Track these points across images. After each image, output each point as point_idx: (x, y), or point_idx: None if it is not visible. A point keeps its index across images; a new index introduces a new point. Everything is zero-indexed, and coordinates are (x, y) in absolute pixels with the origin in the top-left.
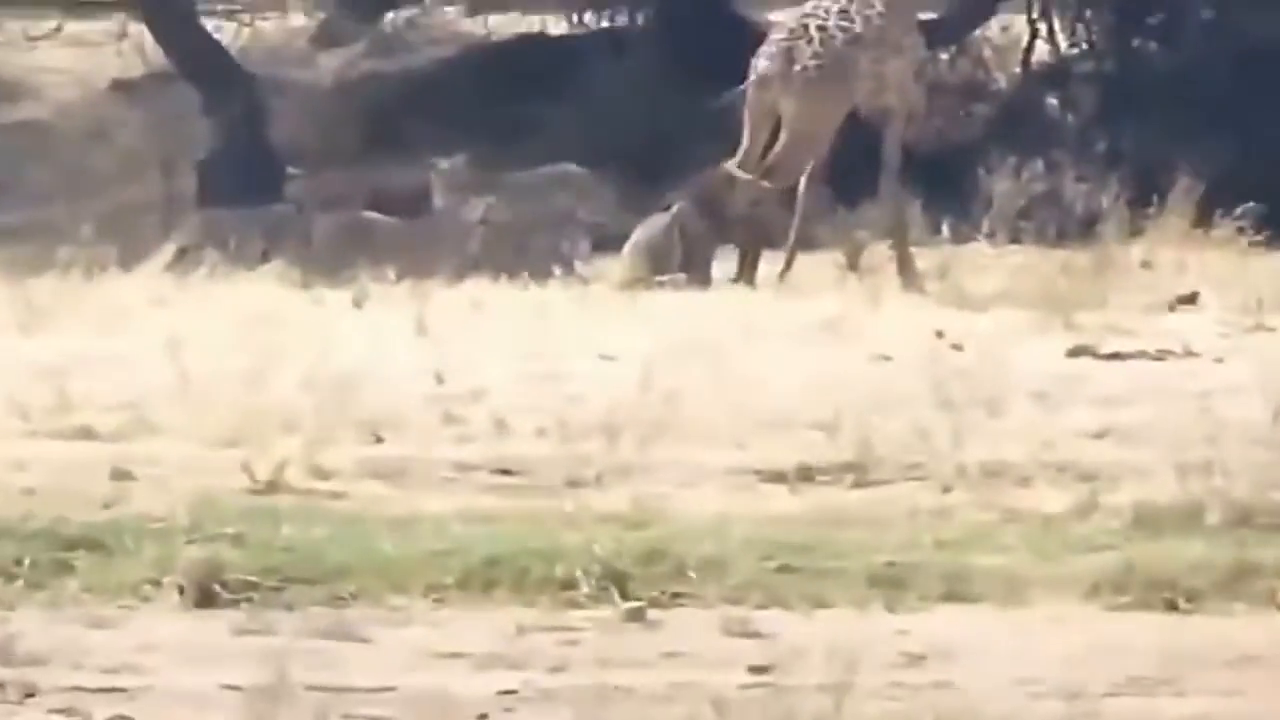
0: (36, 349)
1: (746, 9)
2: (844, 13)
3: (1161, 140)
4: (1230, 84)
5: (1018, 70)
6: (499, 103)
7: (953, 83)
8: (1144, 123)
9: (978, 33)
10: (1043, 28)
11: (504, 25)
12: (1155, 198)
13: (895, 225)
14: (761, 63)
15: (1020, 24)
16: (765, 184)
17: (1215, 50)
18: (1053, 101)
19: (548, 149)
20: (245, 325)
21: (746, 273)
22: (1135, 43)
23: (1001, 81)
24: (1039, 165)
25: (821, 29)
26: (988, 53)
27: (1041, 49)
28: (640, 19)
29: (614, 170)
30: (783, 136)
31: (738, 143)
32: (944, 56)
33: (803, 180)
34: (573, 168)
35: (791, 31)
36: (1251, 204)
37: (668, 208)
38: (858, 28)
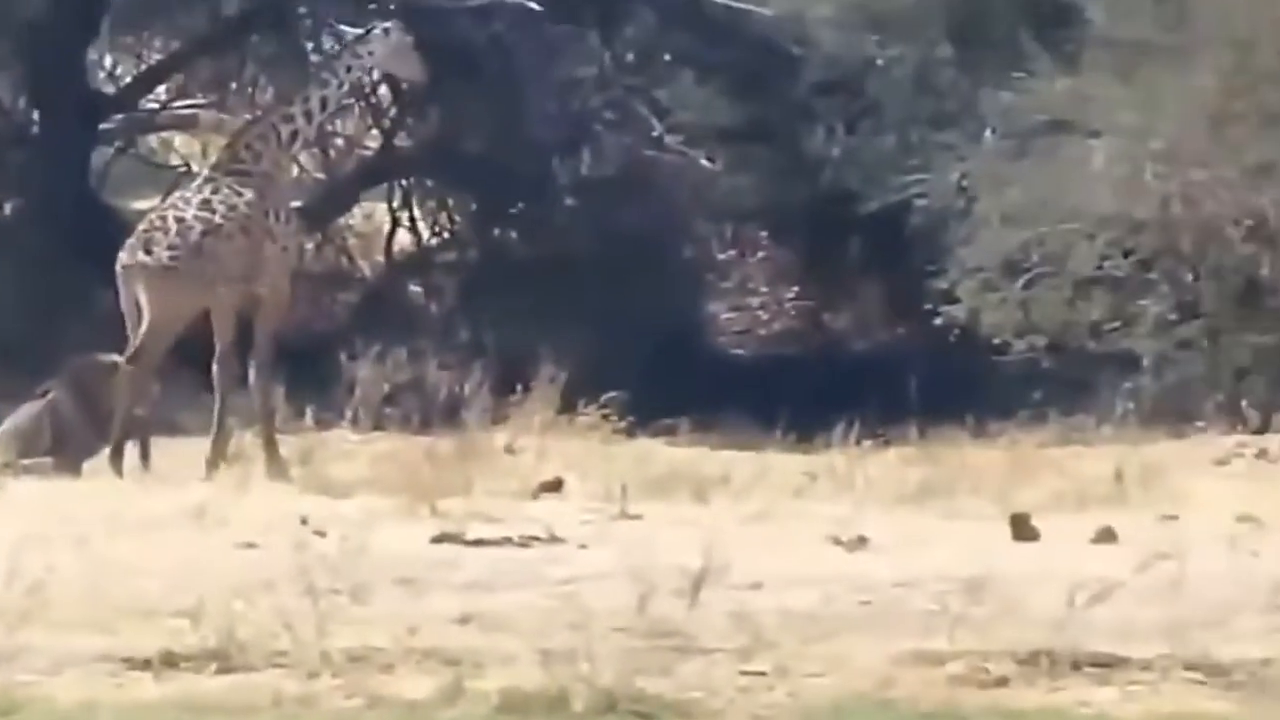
0: None
1: (118, 199)
2: (206, 203)
3: (524, 328)
4: (592, 273)
5: (381, 258)
6: None
7: (317, 271)
8: (507, 311)
9: (341, 221)
10: (405, 216)
11: None
12: (519, 385)
13: (263, 413)
14: (123, 254)
15: (382, 212)
16: (127, 366)
17: (577, 239)
18: (416, 289)
19: None
20: None
21: (115, 461)
22: (497, 231)
23: (365, 269)
24: (403, 353)
25: (180, 220)
26: (351, 241)
27: (404, 237)
28: (10, 207)
29: None
30: (143, 323)
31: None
32: (308, 245)
33: (215, 366)
34: None
35: (151, 222)
36: (614, 392)
37: (44, 394)
38: (218, 219)
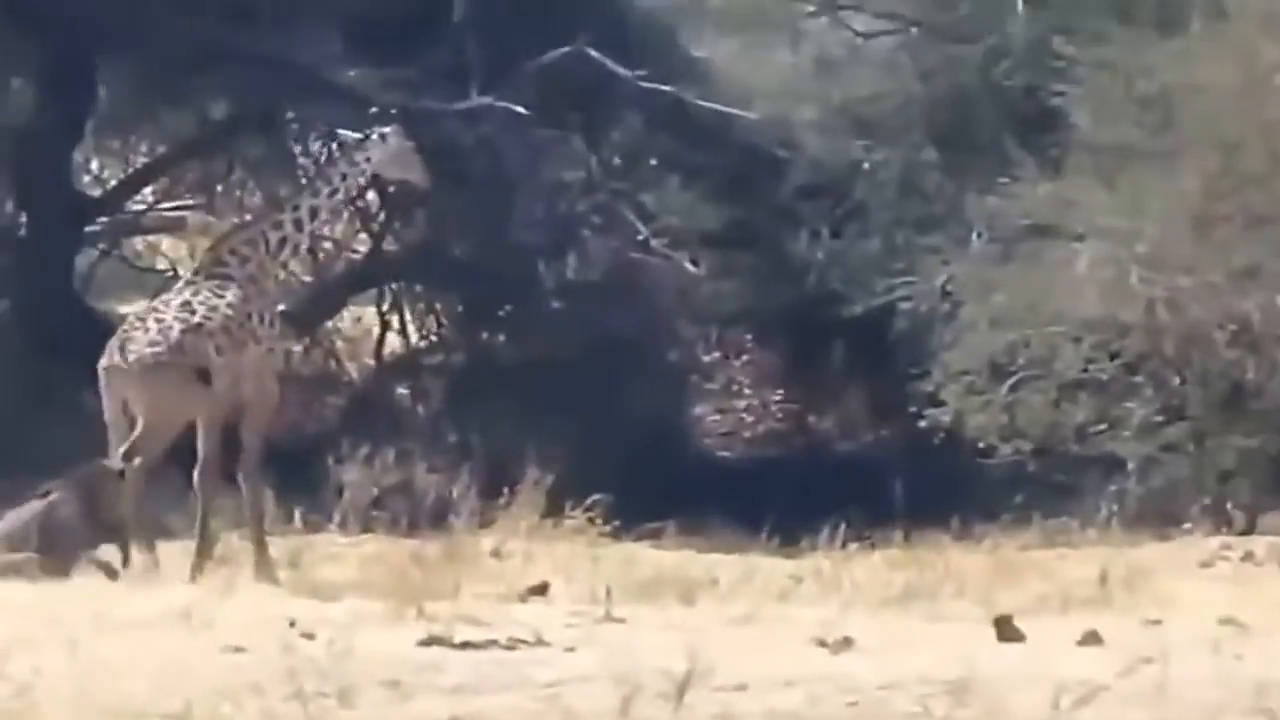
0: None
1: (103, 301)
2: (186, 304)
3: (511, 430)
4: (578, 375)
5: (370, 361)
6: None
7: (305, 373)
8: (494, 413)
9: (330, 324)
10: (394, 319)
11: None
12: (505, 488)
13: (252, 515)
14: (104, 355)
15: (371, 315)
16: (120, 466)
17: (564, 342)
18: (404, 392)
19: None
20: None
21: (124, 563)
22: (484, 335)
23: (353, 372)
24: (390, 455)
25: (160, 320)
26: (340, 344)
27: (393, 340)
28: None
29: None
30: (137, 426)
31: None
32: (297, 348)
33: (197, 473)
34: None
35: (131, 323)
36: (600, 494)
37: (45, 494)
38: (197, 318)
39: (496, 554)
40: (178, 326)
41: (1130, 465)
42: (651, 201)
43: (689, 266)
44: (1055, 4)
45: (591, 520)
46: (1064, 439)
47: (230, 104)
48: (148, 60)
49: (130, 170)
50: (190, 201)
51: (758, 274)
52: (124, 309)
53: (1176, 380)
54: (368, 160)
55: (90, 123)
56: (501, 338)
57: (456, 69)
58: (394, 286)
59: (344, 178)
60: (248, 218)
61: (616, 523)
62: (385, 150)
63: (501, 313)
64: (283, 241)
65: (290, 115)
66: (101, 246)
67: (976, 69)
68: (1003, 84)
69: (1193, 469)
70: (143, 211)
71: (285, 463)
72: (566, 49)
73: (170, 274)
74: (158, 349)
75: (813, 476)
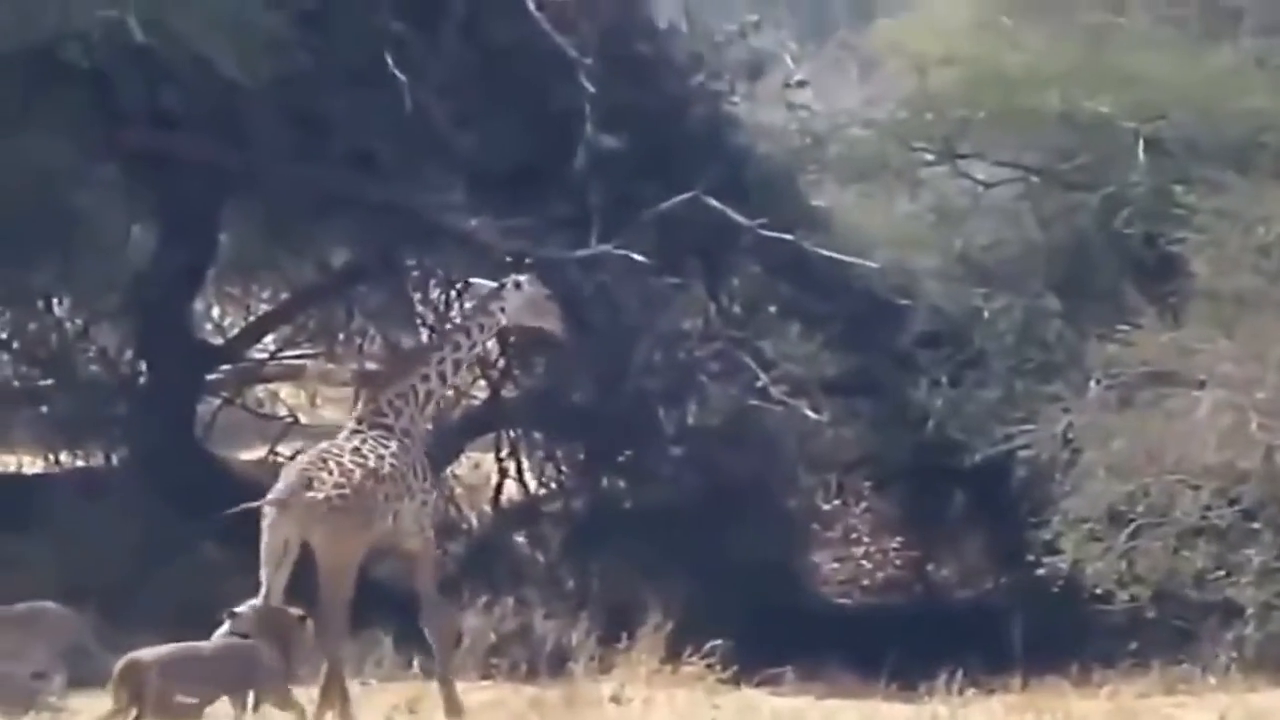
0: None
1: (224, 449)
2: (358, 450)
3: (630, 577)
4: (697, 522)
5: (488, 508)
6: None
7: None
8: (613, 560)
9: (448, 471)
10: (512, 466)
11: None
12: (624, 634)
13: (442, 659)
14: (277, 492)
15: (489, 462)
16: (298, 611)
17: (683, 488)
18: (522, 539)
19: (23, 586)
20: None
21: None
22: (604, 481)
23: (473, 519)
24: (509, 602)
25: (339, 463)
26: (459, 490)
27: (511, 487)
28: (115, 457)
29: (94, 607)
30: (321, 580)
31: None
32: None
33: (318, 622)
34: (51, 606)
35: (308, 463)
36: (719, 641)
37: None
38: (372, 464)
39: (616, 700)
40: (358, 472)
41: (1249, 611)
42: (770, 348)
43: (809, 413)
44: (1174, 153)
45: (710, 666)
46: (1182, 585)
47: (351, 251)
48: (269, 207)
49: (251, 318)
50: (311, 350)
51: (877, 422)
52: (245, 455)
53: None
54: (503, 310)
55: (211, 270)
56: (621, 484)
57: (577, 217)
58: (512, 433)
59: (482, 329)
60: (392, 363)
61: (735, 669)
62: (520, 298)
63: (621, 459)
64: (429, 395)
65: (410, 263)
66: (223, 394)
67: (1096, 217)
68: (1122, 232)
69: None
70: (264, 360)
71: (403, 609)
72: (685, 196)
73: (291, 421)
74: (343, 490)
75: (931, 623)
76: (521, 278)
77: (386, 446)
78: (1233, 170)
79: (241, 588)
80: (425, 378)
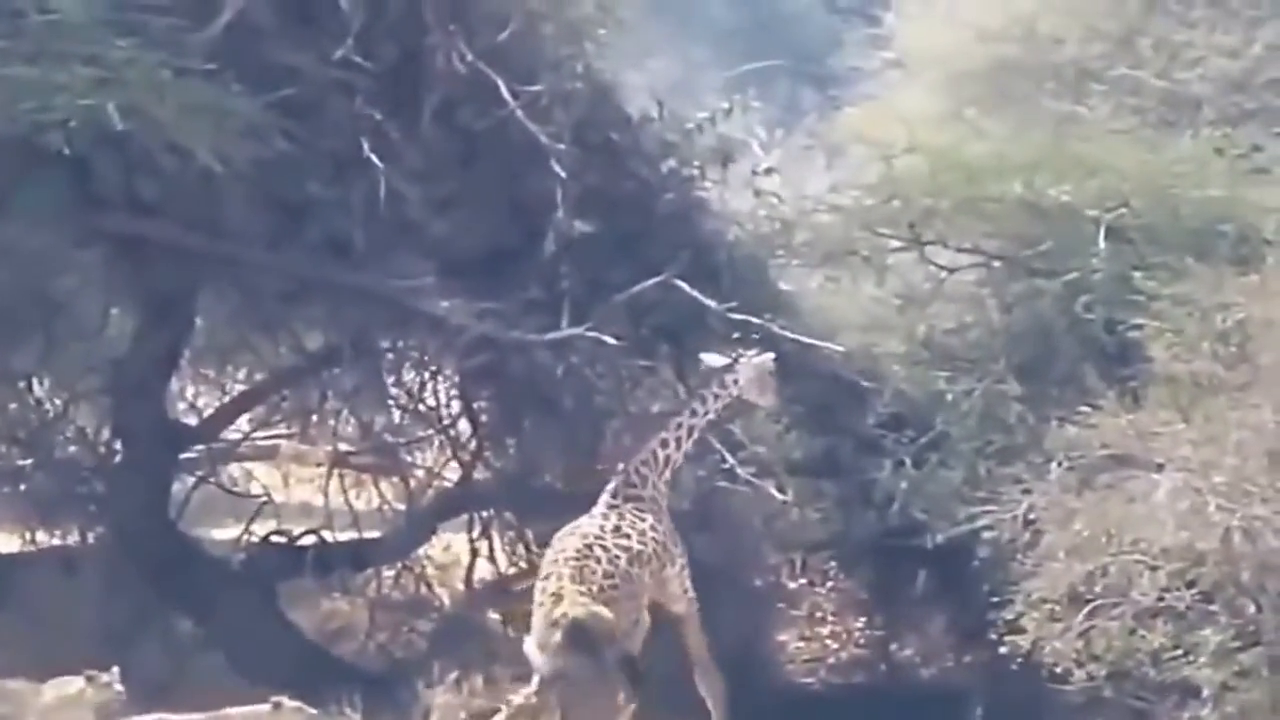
0: None
1: (197, 528)
2: (618, 529)
3: None
4: None
5: (460, 586)
6: None
7: (397, 599)
8: None
9: (420, 551)
10: (484, 546)
11: None
12: None
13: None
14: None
15: (461, 542)
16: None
17: None
18: (495, 617)
19: None
20: None
21: None
22: None
23: (444, 597)
24: (479, 680)
25: (605, 549)
26: (430, 570)
27: (484, 567)
28: (91, 537)
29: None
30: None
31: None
32: (387, 574)
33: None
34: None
35: (575, 552)
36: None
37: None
38: (635, 544)
39: None
40: (624, 557)
41: (1205, 692)
42: (738, 430)
43: (775, 494)
44: (1135, 240)
45: None
46: (1140, 664)
47: (325, 334)
48: (245, 291)
49: (226, 399)
50: (285, 431)
51: (842, 502)
52: (218, 534)
53: (1252, 608)
54: (736, 383)
55: (187, 352)
56: None
57: (548, 300)
58: (484, 514)
59: (716, 398)
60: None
61: None
62: (753, 371)
63: None
64: (668, 460)
65: (384, 345)
66: (198, 473)
67: (1057, 302)
68: (1083, 317)
69: (1268, 695)
70: (239, 440)
71: (373, 687)
72: (656, 280)
73: (265, 500)
74: (612, 580)
75: (895, 702)
76: (752, 352)
77: (644, 519)
78: (1192, 257)
79: (215, 665)
80: (665, 443)
